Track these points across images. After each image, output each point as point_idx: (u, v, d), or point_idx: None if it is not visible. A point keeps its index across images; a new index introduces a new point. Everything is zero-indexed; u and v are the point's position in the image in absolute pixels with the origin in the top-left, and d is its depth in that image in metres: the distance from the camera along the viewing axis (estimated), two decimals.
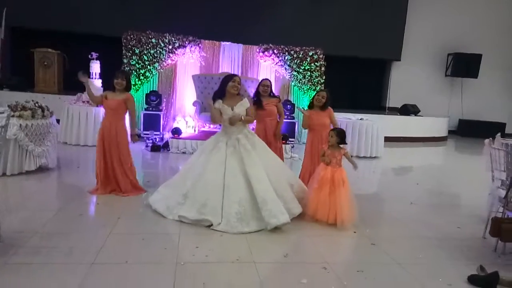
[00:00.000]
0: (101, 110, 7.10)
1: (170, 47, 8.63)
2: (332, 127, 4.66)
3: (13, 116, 4.85)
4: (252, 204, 3.77)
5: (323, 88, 9.19)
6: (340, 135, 4.17)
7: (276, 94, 5.29)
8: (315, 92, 5.12)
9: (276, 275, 3.01)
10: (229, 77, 4.15)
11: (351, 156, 4.39)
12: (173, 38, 8.64)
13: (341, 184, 4.01)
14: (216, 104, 4.07)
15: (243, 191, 3.80)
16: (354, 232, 3.91)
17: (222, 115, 4.05)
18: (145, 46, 8.52)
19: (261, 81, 5.14)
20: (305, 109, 5.09)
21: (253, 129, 4.90)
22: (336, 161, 4.12)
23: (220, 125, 4.30)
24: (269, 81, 5.15)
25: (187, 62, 8.95)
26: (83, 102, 7.46)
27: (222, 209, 3.75)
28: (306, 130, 5.04)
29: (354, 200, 4.05)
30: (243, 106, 4.11)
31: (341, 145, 4.20)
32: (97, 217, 4.02)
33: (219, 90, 4.15)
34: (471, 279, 3.01)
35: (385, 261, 3.33)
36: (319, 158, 4.32)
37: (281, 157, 4.98)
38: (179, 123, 8.43)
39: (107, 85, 4.66)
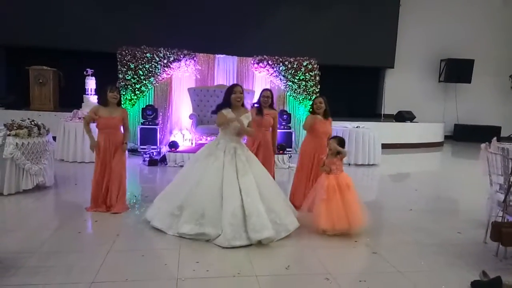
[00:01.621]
0: None
1: (165, 61, 8.66)
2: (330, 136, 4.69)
3: (9, 135, 4.83)
4: (244, 216, 3.69)
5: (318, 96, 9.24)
6: (340, 144, 4.19)
7: (275, 108, 5.29)
8: (312, 100, 5.08)
9: None
10: (230, 89, 4.12)
11: (349, 164, 4.41)
12: (167, 52, 8.68)
13: (346, 189, 4.02)
14: (225, 111, 3.99)
15: (237, 202, 3.71)
16: (355, 241, 3.90)
17: (229, 124, 3.99)
18: (140, 61, 8.55)
19: (262, 91, 5.14)
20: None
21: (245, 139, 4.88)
22: (336, 167, 4.13)
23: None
24: (270, 91, 5.10)
25: (182, 76, 8.99)
26: (79, 118, 7.44)
27: (221, 220, 3.68)
28: (299, 142, 5.05)
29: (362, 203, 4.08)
30: (247, 118, 4.11)
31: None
32: (96, 234, 3.98)
33: (224, 101, 4.08)
34: (474, 285, 3.00)
35: (387, 269, 3.31)
36: (318, 166, 4.34)
37: (272, 167, 5.02)
38: (176, 137, 8.43)
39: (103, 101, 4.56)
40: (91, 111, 4.54)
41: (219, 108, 4.05)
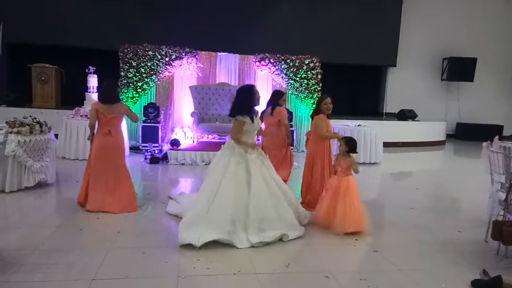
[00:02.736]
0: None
1: (167, 59, 8.67)
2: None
3: (11, 132, 4.84)
4: (293, 211, 4.03)
5: (320, 95, 9.21)
6: (349, 144, 4.16)
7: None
8: (319, 99, 4.99)
9: (278, 286, 2.99)
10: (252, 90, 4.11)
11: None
12: (169, 50, 8.68)
13: (343, 193, 4.01)
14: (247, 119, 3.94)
15: (285, 201, 3.94)
16: (356, 239, 3.90)
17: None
18: (142, 59, 8.56)
19: (282, 94, 5.30)
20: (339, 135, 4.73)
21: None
22: (341, 169, 4.12)
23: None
24: (285, 94, 5.42)
25: (184, 74, 8.99)
26: (81, 116, 7.45)
27: (279, 219, 3.75)
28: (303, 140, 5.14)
29: (362, 209, 4.03)
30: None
31: (351, 154, 4.18)
32: (97, 232, 3.97)
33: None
34: (475, 283, 3.00)
35: (387, 268, 3.31)
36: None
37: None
38: (177, 135, 8.44)
39: None
40: None
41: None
